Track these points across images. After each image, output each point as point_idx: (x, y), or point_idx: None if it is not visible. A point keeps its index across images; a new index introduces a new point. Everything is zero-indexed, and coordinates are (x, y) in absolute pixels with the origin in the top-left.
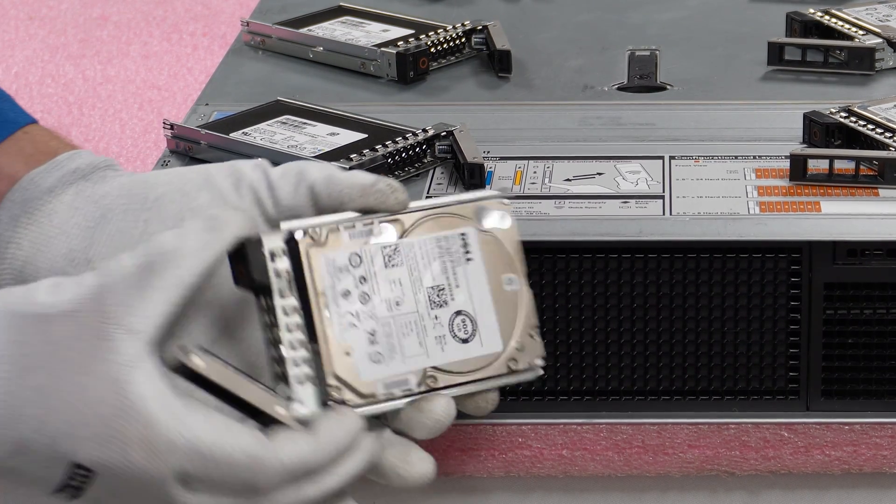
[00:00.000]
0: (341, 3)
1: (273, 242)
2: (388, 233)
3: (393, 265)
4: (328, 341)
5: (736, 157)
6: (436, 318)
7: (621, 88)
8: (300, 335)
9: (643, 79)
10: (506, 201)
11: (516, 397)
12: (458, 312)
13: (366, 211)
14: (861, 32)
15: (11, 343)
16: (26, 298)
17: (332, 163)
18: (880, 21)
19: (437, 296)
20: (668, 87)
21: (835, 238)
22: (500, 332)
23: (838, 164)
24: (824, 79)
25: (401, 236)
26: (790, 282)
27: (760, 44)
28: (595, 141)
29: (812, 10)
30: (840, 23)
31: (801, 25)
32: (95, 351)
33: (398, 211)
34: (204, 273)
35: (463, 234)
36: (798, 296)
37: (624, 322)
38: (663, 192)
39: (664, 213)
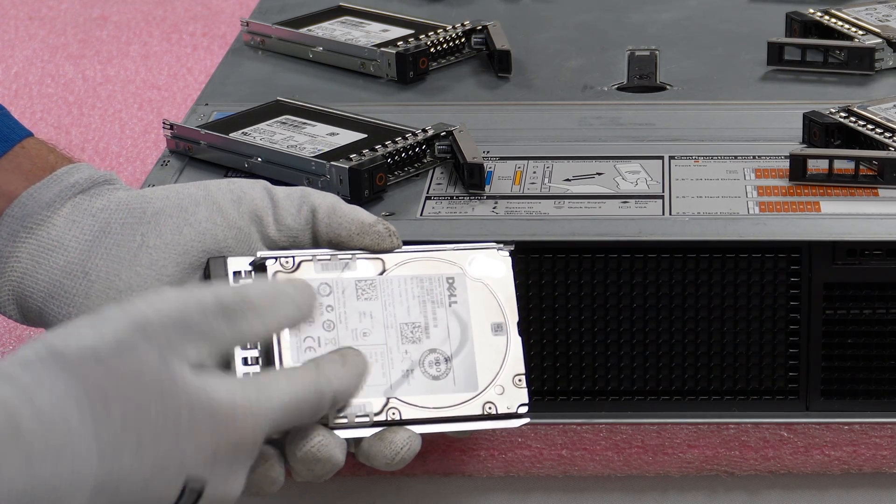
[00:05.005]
0: (341, 3)
1: (238, 264)
2: (364, 269)
3: (366, 298)
4: (282, 363)
5: (735, 157)
6: (405, 352)
7: (621, 88)
8: (254, 353)
9: (643, 79)
10: (503, 252)
11: None
12: (432, 350)
13: (358, 249)
14: (861, 32)
15: (75, 383)
16: (66, 339)
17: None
18: (880, 21)
19: (411, 332)
20: (668, 87)
21: (834, 238)
22: (478, 375)
23: (838, 164)
24: (824, 79)
25: (379, 274)
26: (790, 282)
27: (760, 44)
28: (595, 141)
29: (812, 10)
30: (840, 23)
31: (800, 25)
32: (163, 377)
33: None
34: (261, 335)
35: (449, 279)
36: (798, 296)
37: (624, 322)
38: (663, 192)
39: (664, 213)
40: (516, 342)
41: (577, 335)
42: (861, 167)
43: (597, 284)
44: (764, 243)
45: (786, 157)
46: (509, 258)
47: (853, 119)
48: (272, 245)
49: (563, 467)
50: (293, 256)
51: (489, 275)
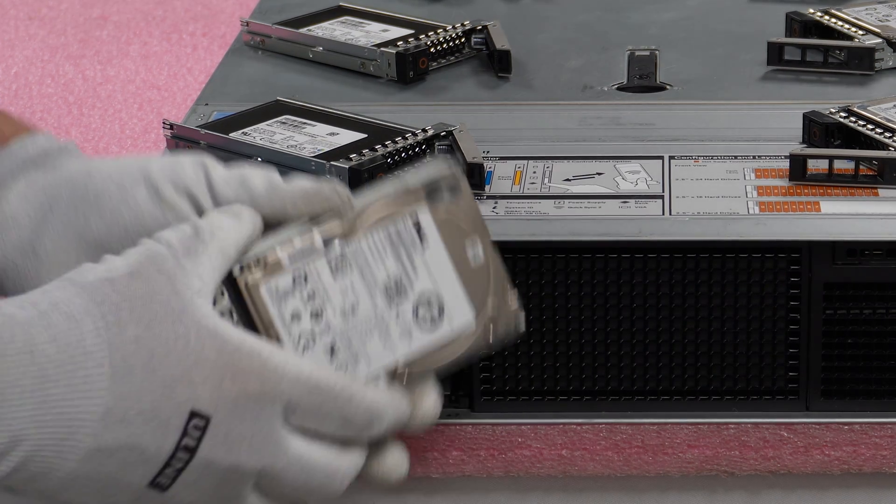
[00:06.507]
0: (341, 3)
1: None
2: (330, 242)
3: (342, 273)
4: None
5: (736, 157)
6: (397, 312)
7: (621, 88)
8: None
9: (643, 79)
10: (455, 173)
11: (516, 397)
12: (421, 299)
13: (311, 217)
14: (861, 32)
15: (92, 304)
16: (81, 273)
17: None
18: (880, 21)
19: (396, 289)
20: (668, 87)
21: (834, 238)
22: (469, 303)
23: (838, 164)
24: (824, 79)
25: (346, 235)
26: (790, 282)
27: (760, 44)
28: (595, 141)
29: (812, 10)
30: (840, 23)
31: (800, 25)
32: (174, 304)
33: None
34: (239, 247)
35: (414, 219)
36: (798, 296)
37: (624, 322)
38: (663, 192)
39: (664, 213)
40: (495, 258)
41: (577, 335)
42: (861, 167)
43: (597, 284)
44: (764, 243)
45: (786, 157)
46: (461, 176)
47: (853, 119)
48: None
49: (563, 467)
50: (257, 256)
51: (450, 200)
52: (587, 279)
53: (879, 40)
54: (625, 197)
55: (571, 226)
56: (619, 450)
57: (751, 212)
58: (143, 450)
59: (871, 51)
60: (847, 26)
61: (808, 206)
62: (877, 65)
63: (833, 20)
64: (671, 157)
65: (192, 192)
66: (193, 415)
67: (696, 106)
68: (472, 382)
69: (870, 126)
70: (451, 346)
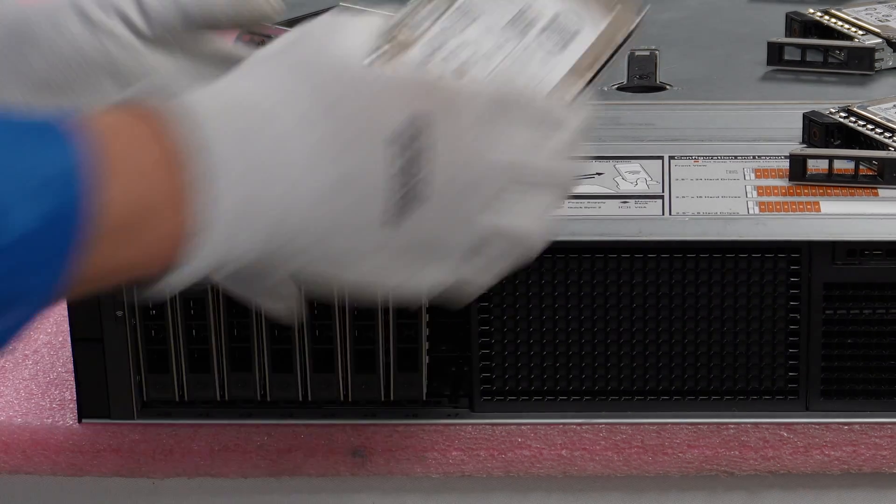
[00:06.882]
0: (341, 3)
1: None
2: (447, 2)
3: (469, 26)
4: None
5: (735, 157)
6: (529, 43)
7: (621, 88)
8: None
9: (643, 79)
10: None
11: (516, 397)
12: (547, 24)
13: (241, 23)
14: (860, 32)
15: (257, 76)
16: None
17: None
18: (880, 21)
19: (521, 22)
20: (668, 87)
21: (834, 238)
22: (591, 13)
23: (838, 164)
24: (824, 79)
25: None
26: (790, 282)
27: (760, 44)
28: (595, 141)
29: (812, 10)
30: (840, 23)
31: (800, 25)
32: (336, 65)
33: None
34: (374, 34)
35: None
36: (798, 296)
37: (624, 322)
38: (663, 192)
39: (663, 213)
40: None
41: (577, 335)
42: (861, 167)
43: (597, 284)
44: (764, 243)
45: (786, 157)
46: None
47: (853, 119)
48: (148, 42)
49: (563, 467)
50: (383, 47)
51: None
52: (587, 279)
53: (879, 40)
54: (625, 197)
55: (571, 226)
56: (619, 450)
57: (751, 212)
58: (361, 184)
59: (871, 51)
60: (847, 26)
61: (808, 206)
62: (877, 65)
63: (833, 20)
64: (671, 157)
65: (122, 10)
66: (397, 139)
67: (696, 106)
68: (472, 382)
69: (870, 126)
70: (594, 55)
